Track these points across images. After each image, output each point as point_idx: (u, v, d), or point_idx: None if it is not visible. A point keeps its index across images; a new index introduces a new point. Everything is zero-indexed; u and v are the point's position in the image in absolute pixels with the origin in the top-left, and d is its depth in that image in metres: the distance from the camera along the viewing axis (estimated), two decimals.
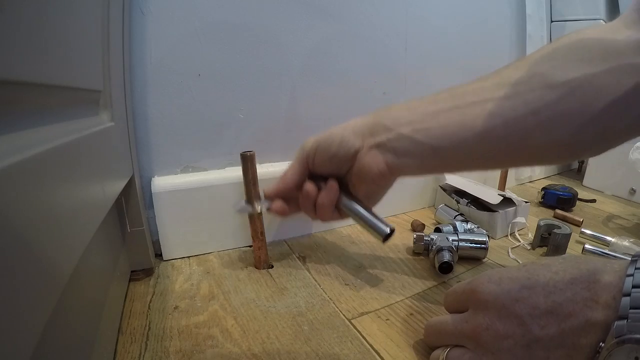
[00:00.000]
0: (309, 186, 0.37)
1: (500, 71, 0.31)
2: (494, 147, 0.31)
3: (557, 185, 0.74)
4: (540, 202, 0.73)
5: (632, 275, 0.21)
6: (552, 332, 0.22)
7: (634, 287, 0.20)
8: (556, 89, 0.28)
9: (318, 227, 0.58)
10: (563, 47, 0.29)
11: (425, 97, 0.34)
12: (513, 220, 0.56)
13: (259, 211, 0.43)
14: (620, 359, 0.20)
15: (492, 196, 0.57)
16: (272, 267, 0.47)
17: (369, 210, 0.38)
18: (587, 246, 0.49)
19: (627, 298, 0.20)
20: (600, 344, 0.20)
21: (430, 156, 0.32)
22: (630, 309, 0.20)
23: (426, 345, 0.33)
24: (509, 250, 0.51)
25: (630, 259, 0.22)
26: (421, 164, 0.33)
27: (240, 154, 0.42)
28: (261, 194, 0.42)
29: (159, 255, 0.49)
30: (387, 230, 0.37)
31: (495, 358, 0.24)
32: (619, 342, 0.20)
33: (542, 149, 0.30)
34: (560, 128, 0.28)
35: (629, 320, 0.19)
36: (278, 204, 0.39)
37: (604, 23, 0.73)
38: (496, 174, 0.74)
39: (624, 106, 0.27)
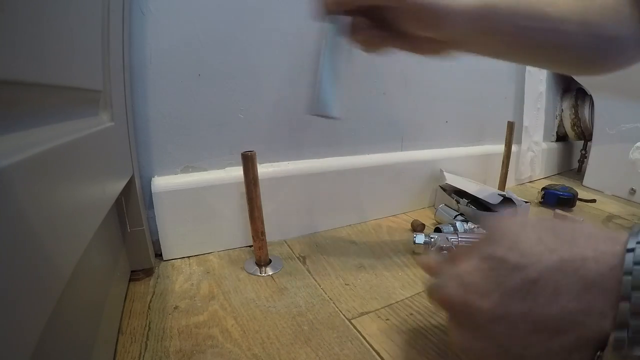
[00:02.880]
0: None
1: None
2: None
3: (557, 185, 0.74)
4: (540, 202, 0.73)
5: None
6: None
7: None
8: None
9: (318, 227, 0.58)
10: None
11: None
12: None
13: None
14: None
15: (492, 196, 0.57)
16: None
17: None
18: None
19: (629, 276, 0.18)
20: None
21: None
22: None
23: (426, 345, 0.33)
24: None
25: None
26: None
27: (242, 153, 0.42)
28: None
29: (159, 255, 0.49)
30: None
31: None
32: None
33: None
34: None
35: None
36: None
37: None
38: (496, 174, 0.74)
39: None
